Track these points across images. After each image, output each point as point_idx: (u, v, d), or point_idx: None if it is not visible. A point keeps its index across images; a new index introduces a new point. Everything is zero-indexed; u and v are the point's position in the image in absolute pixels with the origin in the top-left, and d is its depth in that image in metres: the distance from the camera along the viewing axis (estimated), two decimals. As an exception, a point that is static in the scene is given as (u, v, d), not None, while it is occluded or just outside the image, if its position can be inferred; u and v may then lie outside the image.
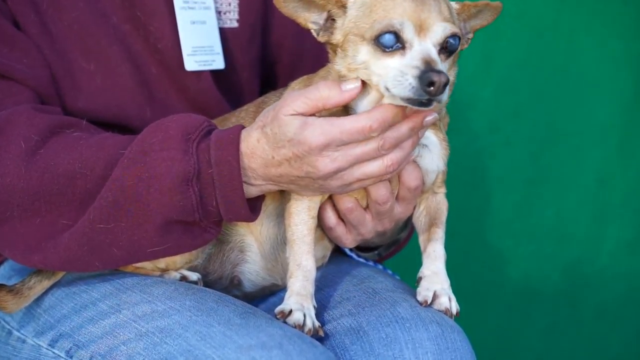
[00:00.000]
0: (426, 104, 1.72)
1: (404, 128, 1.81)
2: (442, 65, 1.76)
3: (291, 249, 1.92)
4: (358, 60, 1.79)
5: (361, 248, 2.26)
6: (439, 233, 1.98)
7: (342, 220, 2.00)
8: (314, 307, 1.88)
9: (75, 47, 2.12)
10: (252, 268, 2.07)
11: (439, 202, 2.01)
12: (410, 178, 1.92)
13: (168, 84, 2.23)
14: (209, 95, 2.27)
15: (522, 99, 3.13)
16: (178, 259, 2.02)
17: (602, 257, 3.24)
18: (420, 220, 2.02)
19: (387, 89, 1.75)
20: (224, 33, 2.30)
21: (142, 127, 1.99)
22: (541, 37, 3.09)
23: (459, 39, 1.80)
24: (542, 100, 3.14)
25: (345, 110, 1.85)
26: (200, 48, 2.24)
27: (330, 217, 1.99)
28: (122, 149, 1.89)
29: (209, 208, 1.86)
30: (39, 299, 2.05)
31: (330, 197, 1.97)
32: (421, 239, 2.00)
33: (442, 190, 2.01)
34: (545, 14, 3.08)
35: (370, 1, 1.81)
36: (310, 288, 1.89)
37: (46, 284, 2.04)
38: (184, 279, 2.02)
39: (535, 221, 3.22)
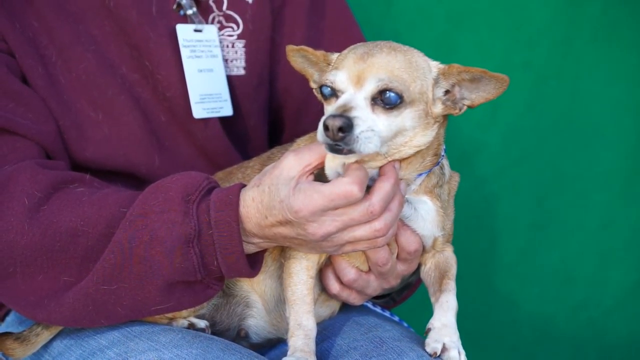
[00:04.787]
0: (338, 150, 1.71)
1: (385, 185, 1.79)
2: (369, 115, 1.73)
3: (291, 308, 1.92)
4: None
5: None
6: (451, 284, 1.97)
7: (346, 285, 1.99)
8: None
9: (83, 97, 2.14)
10: (258, 323, 2.08)
11: (447, 257, 2.01)
12: (408, 242, 1.93)
13: (176, 131, 2.24)
14: (217, 142, 2.28)
15: (528, 144, 3.14)
16: (184, 308, 2.02)
17: (606, 300, 3.23)
18: (429, 275, 2.01)
19: None
20: (231, 80, 2.32)
21: (150, 174, 2.00)
22: (546, 83, 3.10)
23: (400, 96, 1.75)
24: (547, 145, 3.14)
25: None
26: (208, 95, 2.25)
27: (333, 285, 2.00)
28: (124, 207, 1.89)
29: (211, 267, 1.87)
30: (47, 346, 2.06)
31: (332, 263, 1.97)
32: (431, 291, 1.99)
33: (449, 249, 2.01)
34: (550, 61, 3.08)
35: (337, 56, 1.85)
36: (312, 345, 1.89)
37: (53, 331, 2.05)
38: (191, 326, 2.03)
39: (540, 264, 3.21)
